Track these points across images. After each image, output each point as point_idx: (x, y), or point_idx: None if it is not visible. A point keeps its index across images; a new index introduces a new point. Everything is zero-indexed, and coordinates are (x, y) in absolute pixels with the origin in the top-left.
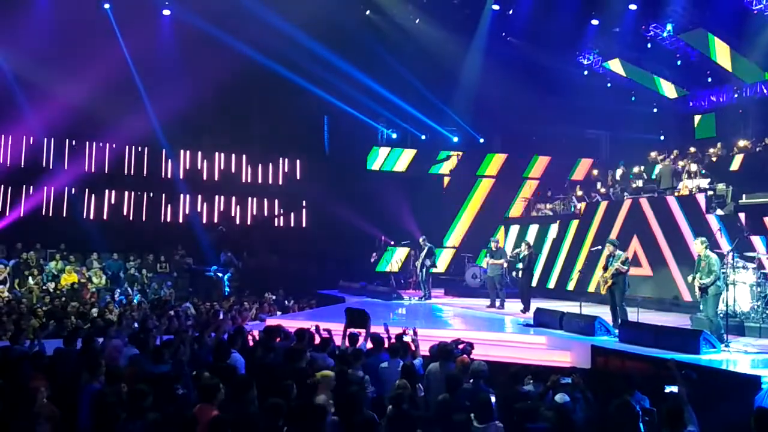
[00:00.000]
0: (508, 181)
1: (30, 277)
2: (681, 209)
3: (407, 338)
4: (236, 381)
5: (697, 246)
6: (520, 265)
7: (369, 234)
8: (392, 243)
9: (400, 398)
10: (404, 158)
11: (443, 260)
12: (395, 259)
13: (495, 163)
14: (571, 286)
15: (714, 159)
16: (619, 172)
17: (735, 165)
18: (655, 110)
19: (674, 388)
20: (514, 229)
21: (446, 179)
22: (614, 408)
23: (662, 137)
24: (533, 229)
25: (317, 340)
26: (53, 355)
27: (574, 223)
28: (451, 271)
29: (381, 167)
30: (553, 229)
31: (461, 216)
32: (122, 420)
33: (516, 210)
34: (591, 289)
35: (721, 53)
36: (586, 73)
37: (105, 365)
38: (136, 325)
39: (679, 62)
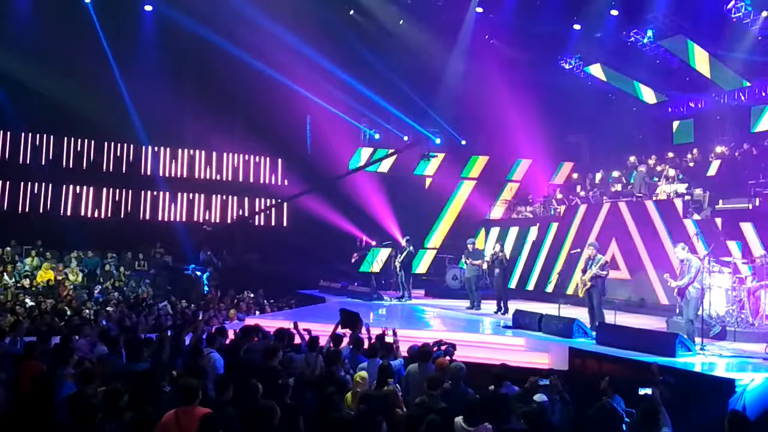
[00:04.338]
0: (489, 184)
1: (5, 274)
2: (658, 214)
3: (388, 339)
4: (214, 381)
5: (679, 251)
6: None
7: (350, 234)
8: (374, 244)
9: (369, 398)
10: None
11: (425, 262)
12: (377, 259)
13: (478, 165)
14: (550, 288)
15: (692, 164)
16: (598, 176)
17: (712, 170)
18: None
19: (648, 391)
20: (494, 231)
21: (428, 180)
22: (595, 410)
23: (641, 142)
24: (513, 232)
25: (297, 340)
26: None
27: (554, 226)
28: (431, 272)
29: (366, 168)
30: (533, 232)
31: (443, 217)
32: (98, 420)
33: (496, 212)
34: (570, 291)
35: (700, 60)
36: (567, 77)
37: (82, 364)
38: (104, 322)
39: (658, 68)
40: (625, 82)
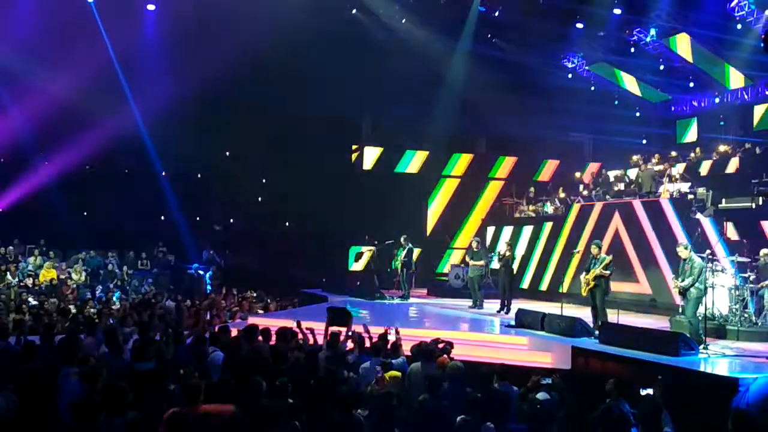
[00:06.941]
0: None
1: (8, 273)
2: (662, 212)
3: (390, 337)
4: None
5: (681, 251)
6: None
7: (353, 233)
8: (376, 242)
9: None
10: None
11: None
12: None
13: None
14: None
15: (695, 163)
16: (601, 175)
17: (715, 169)
18: (637, 114)
19: (650, 391)
20: (495, 229)
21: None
22: (600, 413)
23: (644, 141)
24: (514, 231)
25: (301, 338)
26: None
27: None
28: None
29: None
30: (545, 232)
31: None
32: (102, 418)
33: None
34: (567, 289)
35: (702, 59)
36: (570, 76)
37: (86, 361)
38: (111, 320)
39: (661, 67)
40: (629, 81)
